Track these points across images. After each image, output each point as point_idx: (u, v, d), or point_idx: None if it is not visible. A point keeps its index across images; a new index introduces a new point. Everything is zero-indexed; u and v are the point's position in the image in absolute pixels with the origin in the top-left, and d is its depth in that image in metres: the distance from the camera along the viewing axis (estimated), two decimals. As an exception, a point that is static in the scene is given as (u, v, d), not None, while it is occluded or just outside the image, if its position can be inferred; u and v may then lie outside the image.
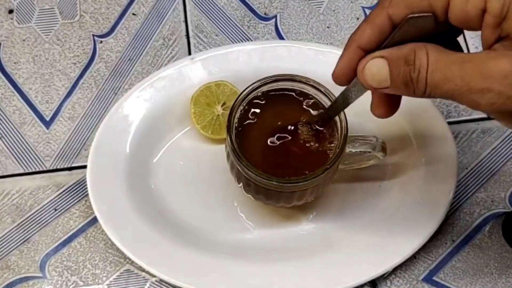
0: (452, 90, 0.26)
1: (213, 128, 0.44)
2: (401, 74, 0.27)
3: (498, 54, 0.25)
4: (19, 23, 0.51)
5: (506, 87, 0.25)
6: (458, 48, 0.30)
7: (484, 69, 0.25)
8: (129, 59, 0.50)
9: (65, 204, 0.45)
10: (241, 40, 0.50)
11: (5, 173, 0.46)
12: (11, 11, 0.52)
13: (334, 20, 0.51)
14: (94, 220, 0.44)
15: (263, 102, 0.38)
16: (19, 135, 0.47)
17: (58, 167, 0.46)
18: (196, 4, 0.52)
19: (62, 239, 0.44)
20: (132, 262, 0.43)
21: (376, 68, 0.28)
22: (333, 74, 0.32)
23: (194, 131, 0.45)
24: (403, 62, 0.27)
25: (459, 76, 0.25)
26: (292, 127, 0.38)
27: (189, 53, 0.50)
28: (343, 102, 0.34)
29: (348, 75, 0.31)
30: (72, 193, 0.45)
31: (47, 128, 0.47)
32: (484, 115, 0.48)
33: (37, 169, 0.46)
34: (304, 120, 0.38)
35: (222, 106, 0.44)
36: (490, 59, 0.25)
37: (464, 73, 0.25)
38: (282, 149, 0.38)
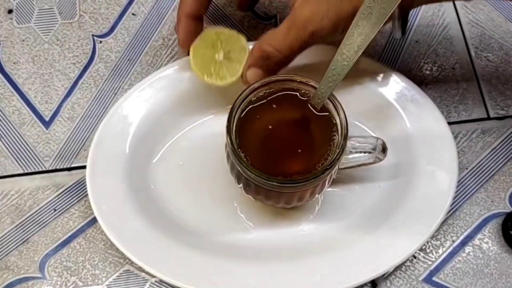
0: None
1: (217, 74, 0.42)
2: (268, 63, 0.40)
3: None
4: (18, 23, 0.51)
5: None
6: None
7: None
8: (128, 59, 0.50)
9: (64, 204, 0.45)
10: (241, 40, 0.50)
11: (5, 174, 0.46)
12: (10, 11, 0.52)
13: (334, 20, 0.51)
14: (94, 220, 0.44)
15: (263, 102, 0.38)
16: (18, 136, 0.47)
17: (58, 167, 0.46)
18: (195, 4, 0.52)
19: (62, 240, 0.44)
20: (131, 263, 0.43)
21: (251, 75, 0.40)
22: (180, 45, 0.44)
23: (194, 131, 0.45)
24: (263, 59, 0.40)
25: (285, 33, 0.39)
26: (292, 128, 0.38)
27: (189, 53, 0.50)
28: (328, 85, 0.37)
29: (190, 41, 0.42)
30: (71, 194, 0.45)
31: (47, 128, 0.47)
32: (484, 116, 0.48)
33: (37, 170, 0.46)
34: (304, 120, 0.38)
35: (222, 51, 0.42)
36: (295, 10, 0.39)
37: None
38: (283, 150, 0.38)
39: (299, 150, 0.37)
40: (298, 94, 0.39)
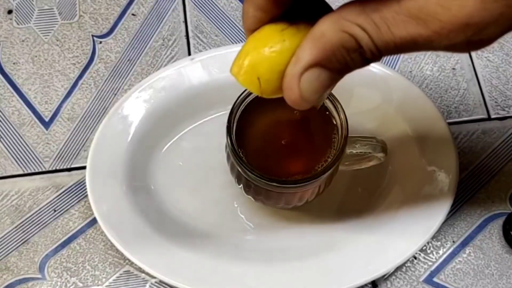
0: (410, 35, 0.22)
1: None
2: (349, 62, 0.23)
3: None
4: (18, 24, 0.51)
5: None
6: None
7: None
8: (128, 60, 0.49)
9: (64, 205, 0.45)
10: (241, 40, 0.50)
11: (4, 174, 0.45)
12: (10, 12, 0.52)
13: (334, 20, 0.51)
14: (94, 221, 0.44)
15: (263, 103, 0.38)
16: (18, 136, 0.47)
17: (58, 168, 0.46)
18: (195, 5, 0.52)
19: (62, 240, 0.44)
20: (131, 263, 0.43)
21: (310, 82, 0.24)
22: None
23: (194, 132, 0.45)
24: (342, 52, 0.23)
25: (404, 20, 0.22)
26: (293, 128, 0.38)
27: (189, 54, 0.50)
28: None
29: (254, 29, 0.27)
30: (71, 194, 0.45)
31: (46, 129, 0.47)
32: (485, 116, 0.48)
33: (36, 170, 0.46)
34: (304, 121, 0.38)
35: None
36: None
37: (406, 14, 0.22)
38: (283, 151, 0.38)
39: (299, 151, 0.37)
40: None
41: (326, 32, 0.23)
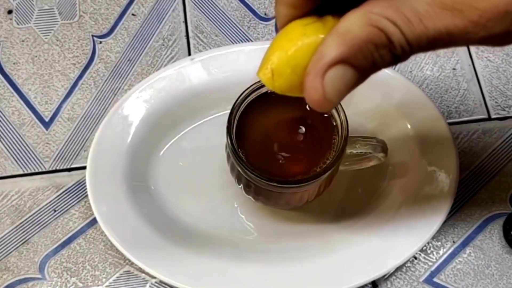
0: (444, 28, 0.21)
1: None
2: (377, 60, 0.22)
3: None
4: (18, 24, 0.51)
5: None
6: None
7: None
8: (128, 60, 0.49)
9: (64, 205, 0.45)
10: (241, 40, 0.50)
11: (4, 174, 0.45)
12: (10, 12, 0.51)
13: (334, 20, 0.51)
14: (94, 221, 0.43)
15: (263, 103, 0.38)
16: (18, 136, 0.47)
17: (58, 168, 0.46)
18: (196, 5, 0.52)
19: (62, 240, 0.44)
20: (131, 264, 0.43)
21: (334, 82, 0.22)
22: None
23: (194, 132, 0.45)
24: (371, 48, 0.21)
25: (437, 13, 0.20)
26: (293, 129, 0.38)
27: (189, 54, 0.50)
28: None
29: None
30: (71, 194, 0.45)
31: (47, 129, 0.47)
32: (485, 116, 0.48)
33: (37, 170, 0.46)
34: (304, 121, 0.38)
35: None
36: None
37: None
38: (283, 151, 0.38)
39: (299, 151, 0.37)
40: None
41: (353, 26, 0.21)
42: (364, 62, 0.21)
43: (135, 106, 0.44)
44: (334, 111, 0.37)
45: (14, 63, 0.49)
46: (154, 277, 0.42)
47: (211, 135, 0.45)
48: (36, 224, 0.44)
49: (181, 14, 0.51)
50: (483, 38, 0.21)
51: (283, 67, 0.24)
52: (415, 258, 0.43)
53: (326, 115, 0.38)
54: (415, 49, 0.21)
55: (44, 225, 0.44)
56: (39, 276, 0.43)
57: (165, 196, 0.44)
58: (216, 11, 0.52)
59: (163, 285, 0.42)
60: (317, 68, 0.22)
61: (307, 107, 0.38)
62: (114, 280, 0.42)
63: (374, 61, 0.21)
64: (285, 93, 0.25)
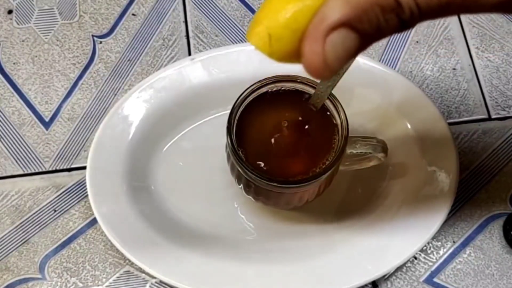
0: None
1: None
2: (382, 24, 0.20)
3: None
4: (18, 24, 0.51)
5: None
6: None
7: None
8: (128, 60, 0.49)
9: (64, 205, 0.45)
10: (241, 40, 0.50)
11: (4, 174, 0.45)
12: (10, 12, 0.51)
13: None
14: (94, 221, 0.43)
15: (263, 103, 0.38)
16: (18, 136, 0.47)
17: (58, 168, 0.46)
18: (196, 5, 0.52)
19: (62, 241, 0.44)
20: (131, 264, 0.43)
21: (336, 46, 0.20)
22: None
23: (194, 132, 0.45)
24: (377, 10, 0.19)
25: None
26: (293, 128, 0.38)
27: (189, 54, 0.50)
28: (327, 84, 0.34)
29: None
30: (71, 194, 0.45)
31: (47, 129, 0.47)
32: (485, 116, 0.48)
33: (37, 170, 0.46)
34: (304, 121, 0.38)
35: None
36: None
37: None
38: (283, 151, 0.38)
39: (300, 151, 0.37)
40: (298, 94, 0.39)
41: None
42: (368, 26, 0.19)
43: (135, 106, 0.44)
44: (334, 111, 0.37)
45: (14, 63, 0.49)
46: (154, 277, 0.42)
47: (211, 135, 0.45)
48: (36, 224, 0.44)
49: (181, 14, 0.51)
50: (497, 4, 0.19)
51: (282, 30, 0.21)
52: (415, 258, 0.43)
53: (326, 115, 0.38)
54: (424, 13, 0.19)
55: (44, 225, 0.44)
56: (39, 276, 0.43)
57: (165, 196, 0.44)
58: (216, 11, 0.52)
59: (163, 285, 0.42)
60: (319, 31, 0.20)
61: (307, 107, 0.38)
62: (114, 280, 0.42)
63: (379, 26, 0.19)
64: (282, 59, 0.23)
